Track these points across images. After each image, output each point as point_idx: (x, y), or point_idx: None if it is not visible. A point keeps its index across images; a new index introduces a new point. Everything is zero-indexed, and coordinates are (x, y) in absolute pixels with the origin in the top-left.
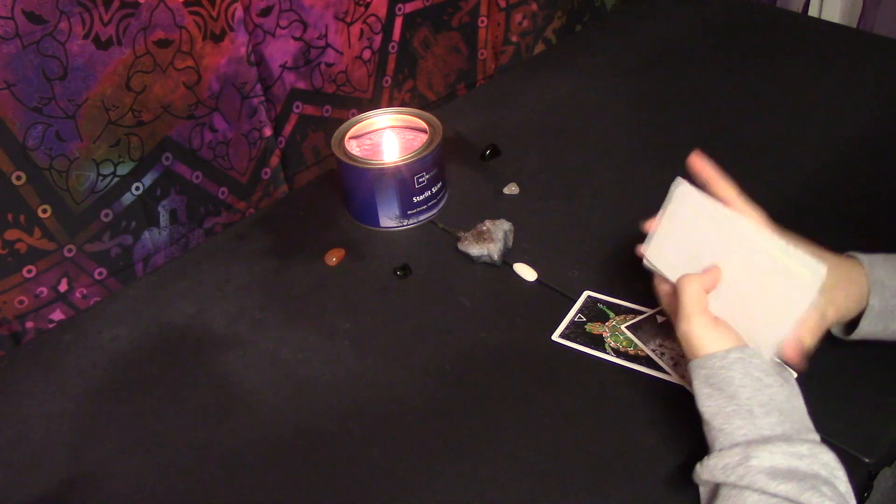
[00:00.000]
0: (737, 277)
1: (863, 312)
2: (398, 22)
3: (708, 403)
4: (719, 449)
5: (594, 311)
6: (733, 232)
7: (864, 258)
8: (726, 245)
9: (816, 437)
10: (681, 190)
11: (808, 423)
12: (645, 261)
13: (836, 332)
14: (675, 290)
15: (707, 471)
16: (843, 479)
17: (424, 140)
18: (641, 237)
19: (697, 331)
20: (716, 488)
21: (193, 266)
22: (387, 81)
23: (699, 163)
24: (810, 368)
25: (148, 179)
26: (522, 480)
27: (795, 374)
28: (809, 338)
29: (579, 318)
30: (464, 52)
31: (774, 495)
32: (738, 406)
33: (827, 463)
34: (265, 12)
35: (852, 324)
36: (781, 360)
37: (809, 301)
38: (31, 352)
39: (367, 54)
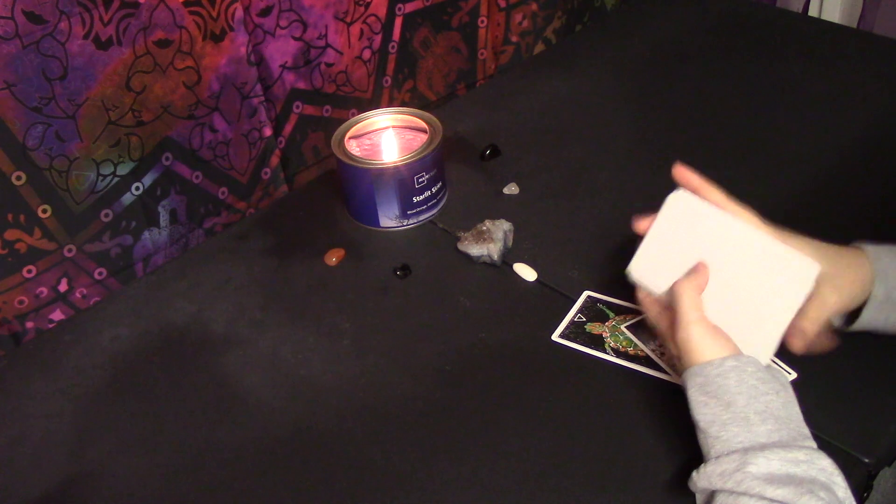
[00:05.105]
0: (730, 279)
1: (865, 303)
2: (398, 22)
3: (703, 412)
4: (716, 456)
5: (594, 311)
6: (726, 233)
7: (870, 248)
8: (719, 248)
9: (813, 443)
10: (674, 196)
11: (805, 431)
12: (630, 276)
13: (837, 322)
14: (665, 303)
15: (704, 478)
16: (842, 484)
17: (424, 140)
18: (641, 237)
19: (696, 337)
20: (712, 495)
21: (193, 266)
22: (387, 81)
23: (684, 173)
24: (810, 369)
25: (148, 179)
26: (522, 480)
27: (793, 376)
28: (811, 326)
29: (579, 318)
30: (464, 52)
31: (772, 500)
32: (733, 414)
33: (824, 468)
34: (265, 12)
35: (854, 316)
36: (778, 362)
37: (804, 296)
38: (31, 352)
39: (367, 54)
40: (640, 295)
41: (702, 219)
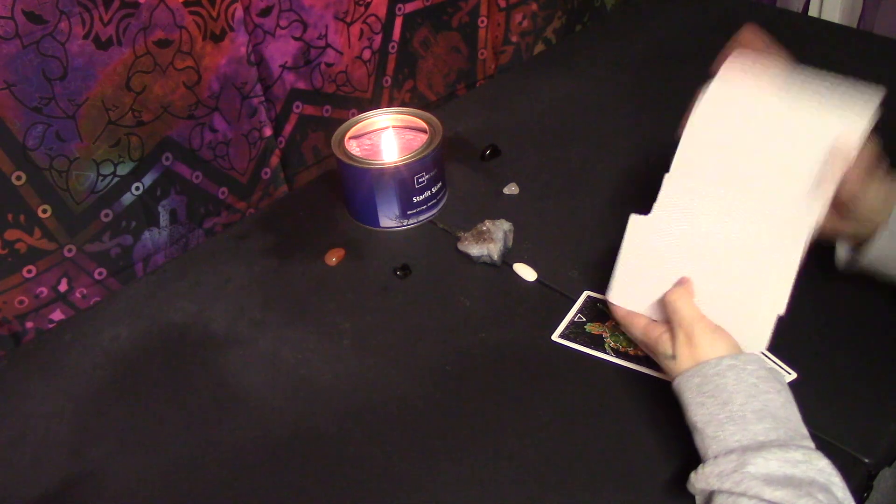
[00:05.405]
0: (710, 281)
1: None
2: (398, 22)
3: (700, 412)
4: (714, 456)
5: (594, 311)
6: (694, 244)
7: None
8: (690, 256)
9: (811, 444)
10: (632, 220)
11: (803, 431)
12: (611, 305)
13: (843, 261)
14: (649, 322)
15: (702, 479)
16: (840, 485)
17: (424, 140)
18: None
19: (699, 334)
20: (711, 496)
21: (193, 266)
22: (387, 81)
23: (750, 33)
24: (810, 368)
25: (148, 179)
26: (522, 480)
27: (793, 376)
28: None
29: (579, 318)
30: (464, 52)
31: (770, 502)
32: (731, 412)
33: (822, 469)
34: (265, 12)
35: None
36: (778, 362)
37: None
38: (31, 352)
39: (367, 54)
40: (621, 313)
41: (662, 236)
